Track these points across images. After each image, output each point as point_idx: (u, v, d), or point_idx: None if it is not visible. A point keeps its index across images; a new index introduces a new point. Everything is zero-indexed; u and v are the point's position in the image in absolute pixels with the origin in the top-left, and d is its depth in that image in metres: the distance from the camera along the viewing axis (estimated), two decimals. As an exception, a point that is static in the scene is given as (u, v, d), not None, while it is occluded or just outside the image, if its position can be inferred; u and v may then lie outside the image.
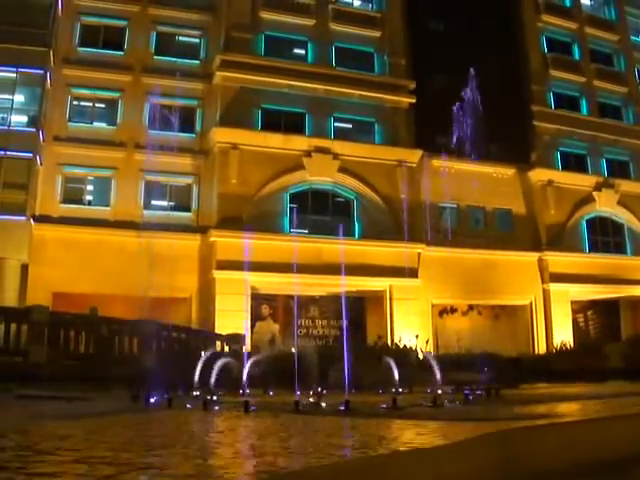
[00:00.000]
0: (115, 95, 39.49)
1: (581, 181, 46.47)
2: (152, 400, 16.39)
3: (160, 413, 14.39)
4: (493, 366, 21.67)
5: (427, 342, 33.84)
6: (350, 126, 42.84)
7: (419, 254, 40.19)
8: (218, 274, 36.41)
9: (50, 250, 34.94)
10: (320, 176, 39.63)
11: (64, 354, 24.35)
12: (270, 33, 41.81)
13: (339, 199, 40.77)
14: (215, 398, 16.02)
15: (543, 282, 43.82)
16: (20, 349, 23.49)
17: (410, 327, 37.45)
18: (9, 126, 35.77)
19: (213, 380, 17.50)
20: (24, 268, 34.60)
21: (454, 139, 36.15)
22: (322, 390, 17.65)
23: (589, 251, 45.67)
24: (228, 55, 39.53)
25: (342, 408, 13.69)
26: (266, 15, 41.59)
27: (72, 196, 37.78)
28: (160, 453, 6.61)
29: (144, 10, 40.80)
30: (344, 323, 39.65)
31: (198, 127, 40.51)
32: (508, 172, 44.91)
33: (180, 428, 11.39)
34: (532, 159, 46.16)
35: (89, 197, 38.89)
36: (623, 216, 47.48)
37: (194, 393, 17.49)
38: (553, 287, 43.48)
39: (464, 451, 6.08)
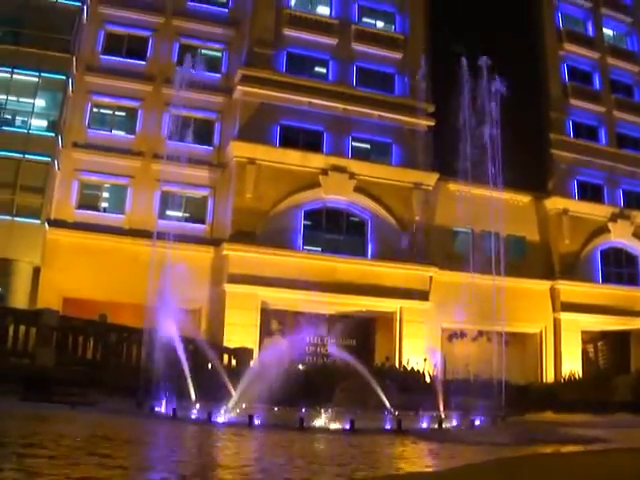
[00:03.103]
0: (135, 104, 39.68)
1: (597, 211, 46.23)
2: (157, 409, 16.36)
3: (161, 424, 14.34)
4: (500, 393, 21.57)
5: (435, 366, 33.69)
6: (368, 146, 42.79)
7: (431, 277, 40.09)
8: (229, 287, 36.41)
9: (63, 255, 35.04)
10: (336, 195, 39.60)
11: (72, 359, 24.39)
12: (292, 50, 41.94)
13: (353, 218, 40.70)
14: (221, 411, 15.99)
15: (554, 311, 43.58)
16: (28, 351, 23.53)
17: (419, 350, 37.26)
18: (29, 130, 35.95)
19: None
20: (36, 271, 34.69)
21: (471, 164, 36.04)
22: (328, 409, 17.57)
23: (602, 282, 45.39)
24: (249, 70, 39.68)
25: (347, 427, 13.63)
26: (289, 32, 41.74)
27: (88, 202, 37.90)
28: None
29: (168, 22, 41.06)
30: (353, 343, 39.63)
31: (216, 140, 40.62)
32: (524, 199, 44.84)
33: (176, 445, 11.33)
34: (548, 187, 46.00)
35: (104, 204, 38.97)
36: (638, 248, 47.21)
37: (199, 404, 17.46)
38: (564, 316, 43.21)
39: (469, 476, 6.03)
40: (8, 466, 6.07)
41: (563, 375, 40.10)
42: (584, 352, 44.76)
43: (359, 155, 41.59)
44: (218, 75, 41.63)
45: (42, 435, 9.78)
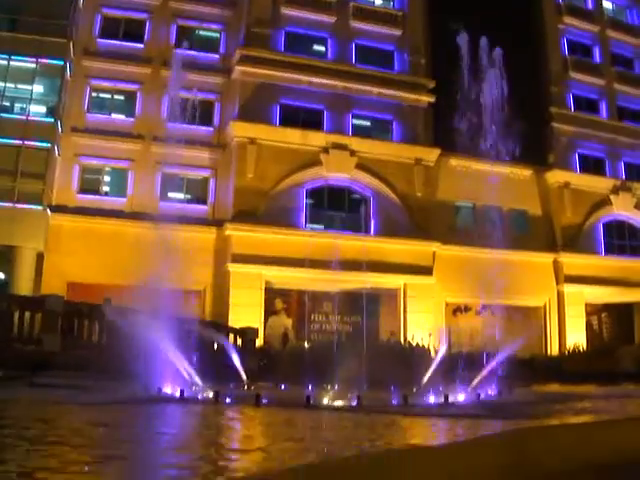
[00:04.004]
0: (134, 87, 39.57)
1: (598, 184, 46.23)
2: (164, 391, 16.46)
3: (167, 405, 14.43)
4: (505, 366, 21.65)
5: (440, 340, 33.78)
6: (368, 123, 42.77)
7: (434, 252, 40.16)
8: (233, 267, 36.50)
9: (66, 240, 35.09)
10: (337, 172, 39.60)
11: (78, 343, 24.46)
12: (291, 29, 41.77)
13: (355, 196, 40.72)
14: (227, 391, 16.08)
15: (558, 284, 43.67)
16: (34, 337, 23.60)
17: (423, 325, 37.38)
18: (28, 116, 35.91)
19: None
20: (39, 257, 34.75)
21: (472, 139, 36.00)
22: (334, 386, 17.66)
23: (605, 254, 45.41)
24: (248, 50, 39.55)
25: (354, 404, 13.72)
26: (287, 11, 41.55)
27: (89, 187, 37.93)
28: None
29: (165, 3, 40.85)
30: (358, 319, 39.74)
31: (216, 121, 40.55)
32: (525, 173, 44.76)
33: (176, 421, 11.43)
34: (550, 161, 46.00)
35: (106, 188, 38.99)
36: (640, 220, 47.24)
37: (206, 384, 17.55)
38: (568, 289, 43.32)
39: (476, 449, 6.07)
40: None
41: (568, 347, 40.26)
42: (588, 324, 44.89)
43: (360, 132, 41.54)
44: (216, 56, 41.53)
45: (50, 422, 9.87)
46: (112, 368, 18.50)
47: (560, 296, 43.63)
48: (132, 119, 39.39)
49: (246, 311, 35.19)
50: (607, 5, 52.59)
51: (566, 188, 44.98)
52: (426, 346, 32.24)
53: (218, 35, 42.25)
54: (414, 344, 33.32)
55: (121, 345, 24.17)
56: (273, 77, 39.63)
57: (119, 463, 5.86)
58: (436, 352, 30.73)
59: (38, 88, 37.24)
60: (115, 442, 7.34)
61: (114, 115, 39.57)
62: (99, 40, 39.69)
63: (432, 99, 42.30)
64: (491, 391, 18.46)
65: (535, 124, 44.00)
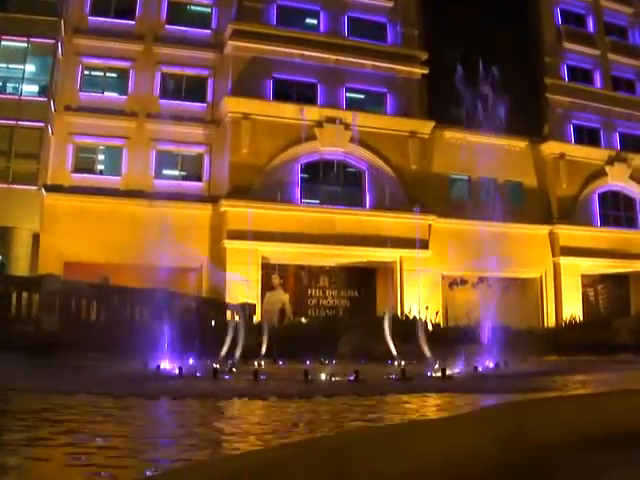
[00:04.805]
0: (126, 64, 39.34)
1: (593, 155, 46.19)
2: (163, 368, 16.50)
3: (167, 383, 14.48)
4: (503, 339, 21.71)
5: (437, 314, 33.85)
6: (362, 97, 42.67)
7: (430, 226, 40.16)
8: (229, 244, 36.51)
9: (61, 219, 35.03)
10: (332, 146, 39.51)
11: (76, 323, 24.48)
12: (282, 2, 41.52)
13: (350, 169, 40.68)
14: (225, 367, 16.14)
15: (554, 255, 43.78)
16: (32, 318, 23.61)
17: (420, 298, 37.44)
18: (20, 96, 35.77)
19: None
20: (35, 237, 34.74)
21: (466, 111, 35.92)
22: (332, 360, 17.71)
23: (600, 225, 45.51)
24: (240, 24, 39.33)
25: (351, 378, 13.78)
26: (278, -16, 41.34)
27: (83, 166, 37.84)
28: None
29: (156, -21, 40.59)
30: (355, 293, 39.80)
31: (209, 97, 40.40)
32: (520, 144, 44.73)
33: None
34: (544, 132, 45.94)
35: (100, 167, 38.93)
36: (635, 190, 47.25)
37: (205, 361, 17.59)
38: (564, 261, 43.42)
39: (472, 423, 6.09)
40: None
41: (564, 319, 40.37)
42: (584, 296, 45.03)
43: (354, 106, 41.41)
44: (208, 31, 41.26)
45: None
46: (111, 347, 18.55)
47: (556, 268, 43.75)
48: (125, 97, 39.21)
49: (243, 287, 35.22)
50: (599, -26, 52.31)
51: (561, 159, 44.97)
52: (423, 319, 32.29)
53: (210, 10, 41.94)
54: (411, 318, 33.39)
55: (120, 323, 24.24)
56: (266, 51, 39.46)
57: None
58: (433, 325, 30.84)
59: (30, 67, 37.08)
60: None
61: (107, 93, 39.37)
62: (90, 18, 39.36)
63: (426, 71, 42.19)
64: (489, 364, 18.50)
65: (529, 95, 43.94)
